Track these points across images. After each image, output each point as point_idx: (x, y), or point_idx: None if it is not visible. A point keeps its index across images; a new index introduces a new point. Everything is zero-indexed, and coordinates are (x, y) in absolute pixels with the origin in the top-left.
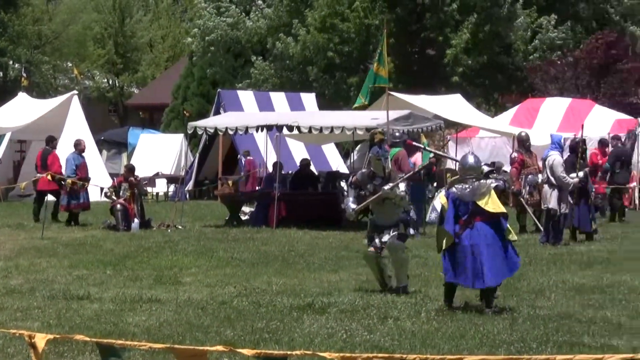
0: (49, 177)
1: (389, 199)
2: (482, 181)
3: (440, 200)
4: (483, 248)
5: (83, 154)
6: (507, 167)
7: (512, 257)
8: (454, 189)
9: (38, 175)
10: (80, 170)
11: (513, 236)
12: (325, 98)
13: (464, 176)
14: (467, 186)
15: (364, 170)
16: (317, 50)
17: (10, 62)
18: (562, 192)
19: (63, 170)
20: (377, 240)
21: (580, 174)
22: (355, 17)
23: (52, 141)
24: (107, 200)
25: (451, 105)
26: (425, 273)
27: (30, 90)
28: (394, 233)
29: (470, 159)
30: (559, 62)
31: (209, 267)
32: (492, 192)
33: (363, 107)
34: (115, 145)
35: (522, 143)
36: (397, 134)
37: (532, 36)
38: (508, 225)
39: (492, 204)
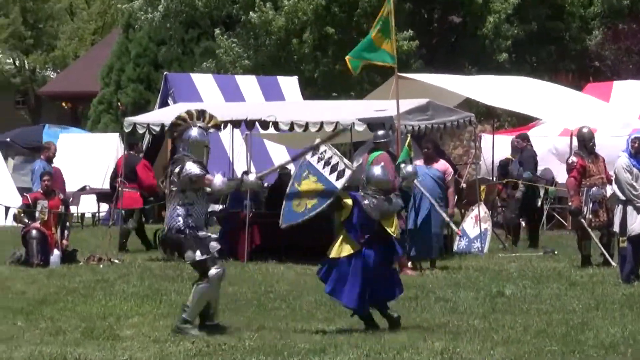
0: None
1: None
2: (394, 201)
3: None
4: (372, 272)
5: (52, 161)
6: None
7: (395, 284)
8: (362, 195)
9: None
10: (54, 183)
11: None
12: (314, 84)
13: (369, 190)
14: (374, 202)
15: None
16: (312, 20)
17: None
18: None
19: (32, 184)
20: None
21: None
22: None
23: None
24: (16, 224)
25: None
26: (455, 322)
27: None
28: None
29: (377, 171)
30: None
31: (157, 315)
32: None
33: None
34: (25, 149)
35: (584, 143)
36: (379, 132)
37: None
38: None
39: (394, 226)
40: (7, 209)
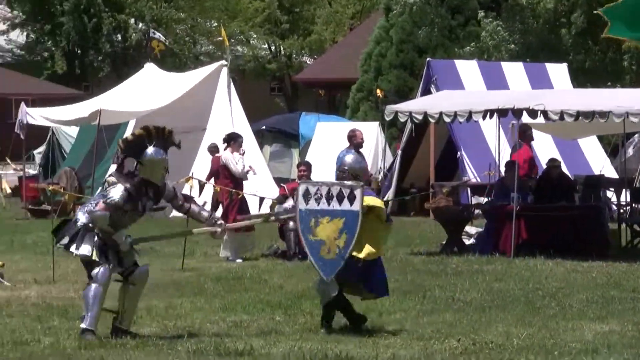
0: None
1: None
2: None
3: (372, 202)
4: None
5: (361, 150)
6: None
7: None
8: (372, 190)
9: None
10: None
11: None
12: (583, 71)
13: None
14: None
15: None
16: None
17: (132, 21)
18: None
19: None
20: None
21: None
22: None
23: (526, 131)
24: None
25: None
26: None
27: (160, 60)
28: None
29: (350, 158)
30: None
31: (421, 311)
32: None
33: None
34: (281, 137)
35: None
36: None
37: None
38: None
39: None
40: (261, 199)
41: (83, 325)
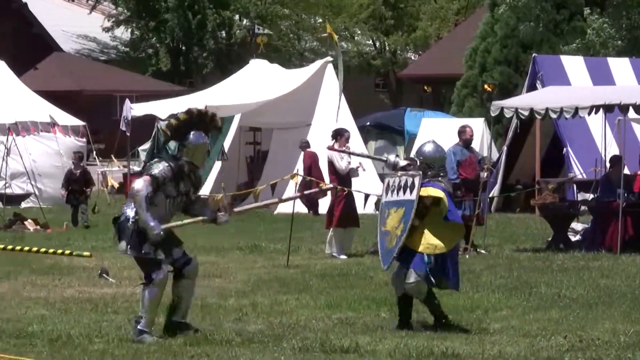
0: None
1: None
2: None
3: (433, 193)
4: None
5: (471, 146)
6: None
7: None
8: (442, 184)
9: None
10: (466, 169)
11: None
12: None
13: (437, 168)
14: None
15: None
16: None
17: (237, 18)
18: None
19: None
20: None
21: None
22: None
23: None
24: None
25: None
26: None
27: (265, 55)
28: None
29: (429, 147)
30: None
31: (527, 308)
32: None
33: None
34: (386, 133)
35: None
36: None
37: None
38: None
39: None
40: (367, 196)
41: (139, 327)
